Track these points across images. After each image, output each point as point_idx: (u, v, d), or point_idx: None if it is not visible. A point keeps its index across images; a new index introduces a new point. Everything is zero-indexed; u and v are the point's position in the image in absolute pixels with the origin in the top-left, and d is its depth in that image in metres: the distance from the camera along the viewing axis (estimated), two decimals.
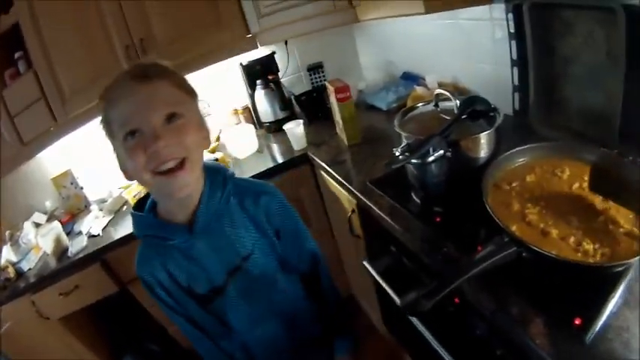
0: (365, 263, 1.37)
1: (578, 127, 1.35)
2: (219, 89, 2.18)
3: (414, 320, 1.15)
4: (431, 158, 1.08)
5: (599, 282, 0.84)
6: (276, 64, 2.14)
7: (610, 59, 1.16)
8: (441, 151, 1.09)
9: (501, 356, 0.94)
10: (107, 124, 0.78)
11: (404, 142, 1.19)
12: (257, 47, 1.85)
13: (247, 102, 2.25)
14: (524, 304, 0.84)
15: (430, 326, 1.13)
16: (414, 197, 1.28)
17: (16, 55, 1.76)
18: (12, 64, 1.78)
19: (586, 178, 0.98)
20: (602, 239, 0.84)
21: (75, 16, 1.64)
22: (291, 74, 2.31)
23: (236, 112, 2.24)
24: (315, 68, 2.28)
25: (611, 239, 0.84)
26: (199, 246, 0.90)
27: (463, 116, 1.18)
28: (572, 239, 0.85)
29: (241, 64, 2.12)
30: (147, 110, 0.75)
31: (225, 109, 2.23)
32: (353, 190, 1.43)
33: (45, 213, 2.05)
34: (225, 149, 2.00)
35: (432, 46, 1.94)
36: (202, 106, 1.90)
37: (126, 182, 1.83)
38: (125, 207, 1.97)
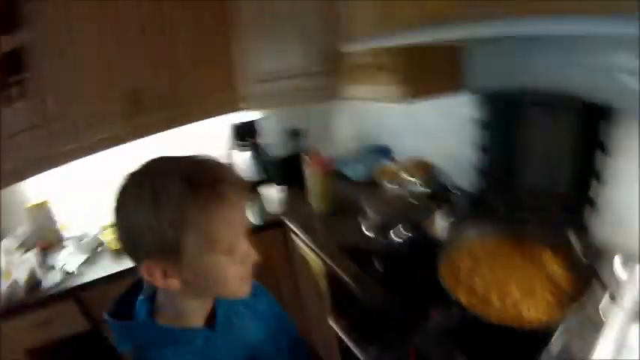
0: (330, 322, 1.63)
1: (530, 205, 1.65)
2: (199, 145, 2.36)
3: None
4: (397, 237, 1.38)
5: (535, 341, 1.08)
6: (258, 127, 2.41)
7: (565, 147, 1.50)
8: (405, 233, 1.39)
9: None
10: (199, 230, 0.74)
11: (372, 220, 1.48)
12: (246, 111, 2.12)
13: (231, 161, 2.43)
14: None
15: None
16: (377, 266, 1.53)
17: (11, 79, 1.80)
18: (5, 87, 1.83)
19: (528, 251, 1.35)
20: (538, 304, 1.14)
21: (90, 51, 1.84)
22: (270, 137, 2.53)
23: None
24: (294, 134, 2.53)
25: (547, 304, 1.15)
26: (217, 343, 0.91)
27: (428, 202, 1.49)
28: (509, 304, 1.15)
29: (231, 124, 2.37)
30: (245, 227, 0.84)
31: None
32: (322, 256, 1.68)
33: (16, 238, 2.10)
34: None
35: (404, 122, 2.29)
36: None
37: (108, 222, 1.94)
38: (100, 248, 2.08)
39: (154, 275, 0.76)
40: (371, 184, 2.26)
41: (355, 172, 2.39)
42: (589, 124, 1.39)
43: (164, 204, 0.71)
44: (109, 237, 2.00)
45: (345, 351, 1.64)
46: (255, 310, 1.04)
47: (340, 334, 1.59)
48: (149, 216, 0.71)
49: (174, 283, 0.78)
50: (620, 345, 1.09)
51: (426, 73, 1.66)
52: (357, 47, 1.54)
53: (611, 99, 1.30)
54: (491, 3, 1.00)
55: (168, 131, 2.02)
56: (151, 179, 0.74)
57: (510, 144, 1.70)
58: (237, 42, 1.96)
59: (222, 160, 0.82)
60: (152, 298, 0.88)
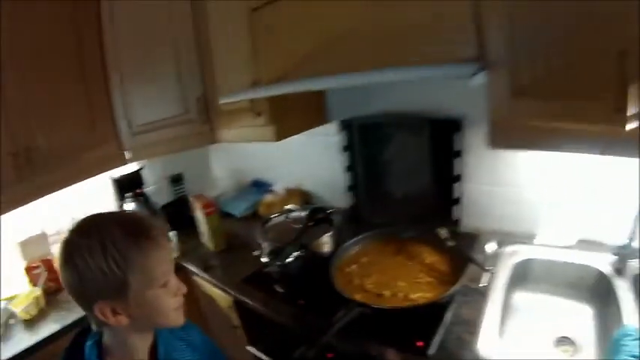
0: (249, 348, 1.79)
1: (400, 211, 2.02)
2: (88, 202, 2.30)
3: None
4: (289, 260, 1.59)
5: (429, 314, 1.39)
6: (142, 178, 2.44)
7: (420, 158, 1.86)
8: (296, 253, 1.60)
9: None
10: (140, 270, 0.88)
11: (266, 249, 1.69)
12: (127, 163, 2.13)
13: None
14: (378, 344, 1.33)
15: None
16: (279, 289, 1.73)
17: None
18: None
19: (406, 249, 1.67)
20: (424, 288, 1.45)
21: None
22: (153, 184, 2.59)
23: None
24: (176, 180, 2.65)
25: (432, 286, 1.46)
26: None
27: (310, 224, 1.73)
28: (400, 294, 1.43)
29: (112, 178, 2.36)
30: (172, 264, 0.98)
31: None
32: (228, 290, 1.81)
33: None
34: None
35: (277, 156, 2.54)
36: (71, 219, 2.13)
37: (10, 293, 1.94)
38: (13, 320, 1.87)
39: (106, 314, 0.88)
40: (254, 218, 2.49)
41: (238, 209, 2.55)
42: (444, 137, 1.77)
43: (111, 251, 0.84)
44: (19, 307, 1.85)
45: None
46: (190, 343, 1.18)
47: (262, 356, 1.75)
48: (100, 263, 0.84)
49: (123, 319, 0.90)
50: (506, 308, 1.46)
51: (296, 112, 1.95)
52: (234, 98, 1.73)
53: (459, 113, 1.73)
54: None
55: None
56: (96, 233, 0.86)
57: (374, 162, 2.03)
58: (109, 95, 2.00)
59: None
60: (99, 342, 0.98)
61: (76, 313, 1.78)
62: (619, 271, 1.46)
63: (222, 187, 2.96)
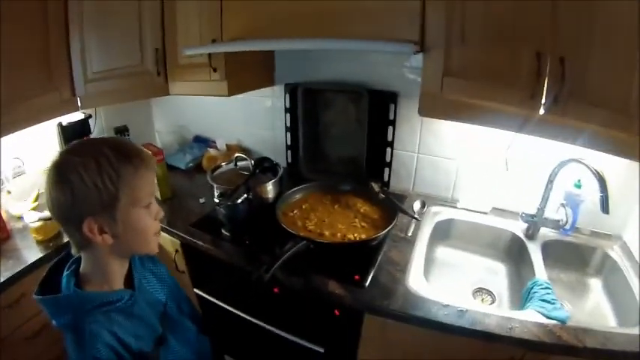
0: (195, 290, 1.99)
1: (335, 170, 2.28)
2: (33, 148, 2.33)
3: (252, 319, 1.83)
4: (239, 200, 1.78)
5: (364, 254, 1.67)
6: (89, 126, 2.47)
7: (358, 124, 2.09)
8: (245, 195, 1.80)
9: (319, 316, 1.66)
10: (130, 187, 0.95)
11: (216, 192, 1.87)
12: (79, 110, 2.12)
13: None
14: (321, 276, 1.57)
15: (264, 319, 1.81)
16: (224, 232, 1.91)
17: None
18: None
19: (342, 201, 1.92)
20: (359, 231, 1.71)
21: None
22: (97, 135, 2.57)
23: None
24: (121, 131, 2.68)
25: (366, 230, 1.72)
26: (139, 301, 1.09)
27: (257, 171, 1.94)
28: (339, 234, 1.68)
29: (60, 124, 2.36)
30: (154, 190, 1.06)
31: (38, 167, 2.36)
32: (178, 233, 1.94)
33: None
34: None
35: (220, 114, 2.71)
36: (16, 164, 2.17)
37: None
38: None
39: (93, 231, 0.94)
40: (198, 170, 2.65)
41: (182, 161, 2.69)
42: (381, 106, 2.03)
43: (106, 167, 0.91)
44: None
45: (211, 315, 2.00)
46: (159, 277, 1.27)
47: (209, 297, 1.94)
48: (94, 178, 0.90)
49: (108, 238, 0.96)
50: (429, 259, 1.76)
51: (247, 71, 2.12)
52: (198, 51, 1.88)
53: (396, 87, 1.99)
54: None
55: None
56: (90, 152, 0.93)
57: (314, 124, 2.26)
58: (64, 41, 1.95)
59: None
60: (76, 272, 1.03)
61: (22, 262, 1.79)
62: (530, 236, 1.80)
63: (163, 141, 3.07)
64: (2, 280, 1.69)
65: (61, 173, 0.92)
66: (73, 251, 1.04)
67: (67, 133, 2.40)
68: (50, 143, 2.43)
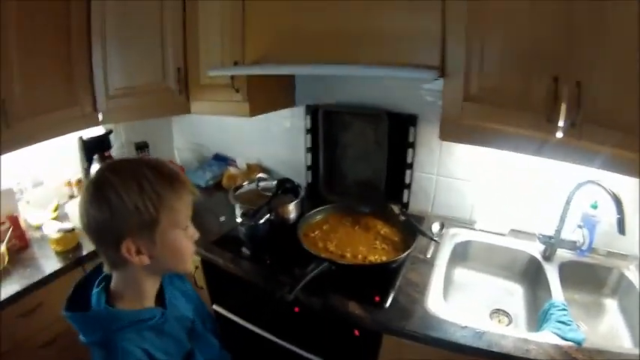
0: (215, 307, 2.01)
1: (353, 191, 2.31)
2: (53, 160, 2.38)
3: (271, 337, 1.85)
4: (262, 220, 1.82)
5: (385, 275, 1.69)
6: (110, 141, 2.51)
7: (377, 146, 2.12)
8: (267, 215, 1.84)
9: (338, 336, 1.68)
10: (171, 210, 0.97)
11: (238, 212, 1.91)
12: (99, 125, 2.21)
13: (80, 175, 2.51)
14: (341, 297, 1.60)
15: (283, 336, 1.83)
16: (245, 250, 1.95)
17: None
18: None
19: (362, 222, 1.95)
20: (380, 253, 1.74)
21: None
22: (117, 150, 2.65)
23: (70, 183, 2.47)
24: (141, 147, 2.76)
25: (387, 252, 1.75)
26: (170, 319, 1.10)
27: (279, 192, 1.98)
28: (360, 256, 1.71)
29: (81, 138, 2.42)
30: (191, 212, 1.06)
31: (58, 179, 2.43)
32: (198, 249, 1.94)
33: None
34: (67, 219, 2.11)
35: (240, 133, 2.76)
36: (36, 174, 2.22)
37: None
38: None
39: (131, 252, 0.94)
40: (217, 188, 2.69)
41: (202, 179, 2.73)
42: (400, 129, 2.05)
43: (147, 189, 0.92)
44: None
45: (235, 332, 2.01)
46: (186, 293, 1.28)
47: (229, 315, 1.97)
48: (135, 199, 0.91)
49: (145, 259, 0.97)
50: (447, 280, 1.77)
51: (268, 92, 2.16)
52: (221, 73, 1.94)
53: (415, 110, 2.02)
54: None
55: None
56: (131, 172, 0.94)
57: (334, 145, 2.31)
58: (86, 57, 2.03)
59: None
60: (106, 289, 1.03)
61: (40, 272, 1.82)
62: (547, 257, 1.81)
63: (182, 158, 3.12)
64: (19, 289, 1.72)
65: (100, 191, 0.92)
66: (106, 269, 1.04)
67: (88, 147, 2.46)
68: (70, 156, 2.48)
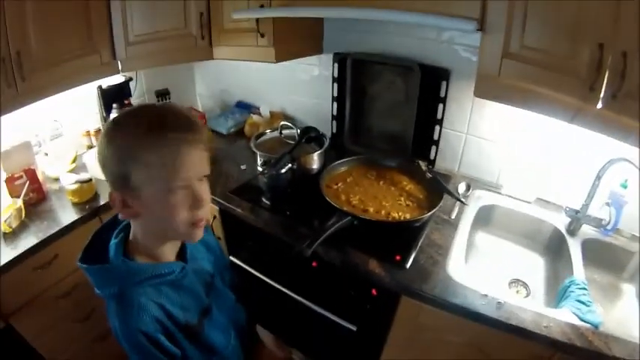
0: (231, 257, 1.98)
1: (379, 145, 2.24)
2: (71, 109, 2.34)
3: (286, 291, 1.83)
4: (283, 170, 1.77)
5: (407, 233, 1.65)
6: (130, 89, 2.49)
7: (406, 99, 2.04)
8: (289, 165, 1.78)
9: (355, 294, 1.66)
10: (145, 165, 0.85)
11: (260, 159, 1.86)
12: (119, 72, 2.16)
13: (100, 125, 2.48)
14: (361, 253, 1.56)
15: (298, 291, 1.81)
16: (265, 200, 1.91)
17: None
18: None
19: (387, 176, 1.88)
20: (404, 210, 1.67)
21: None
22: (137, 98, 2.62)
23: (88, 133, 2.42)
24: (162, 94, 2.71)
25: (411, 209, 1.68)
26: (189, 273, 1.06)
27: (302, 140, 1.92)
28: (383, 212, 1.65)
29: (100, 87, 2.37)
30: (196, 172, 0.91)
31: (77, 130, 2.41)
32: (217, 199, 1.94)
33: None
34: (85, 170, 2.09)
35: (264, 80, 2.68)
36: (54, 126, 2.20)
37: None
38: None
39: (115, 204, 0.91)
40: (239, 136, 2.65)
41: (224, 126, 2.69)
42: (432, 82, 1.95)
43: (119, 142, 0.86)
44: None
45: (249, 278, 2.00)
46: (208, 245, 1.25)
47: (244, 266, 1.95)
48: (108, 151, 0.87)
49: (131, 212, 0.92)
50: (469, 244, 1.72)
51: (295, 38, 2.07)
52: (246, 15, 1.85)
53: (448, 64, 1.91)
54: None
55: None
56: (120, 123, 0.90)
57: (362, 96, 2.22)
58: (105, 2, 1.96)
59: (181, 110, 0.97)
60: (124, 241, 0.99)
61: (57, 223, 1.82)
62: (572, 231, 1.74)
63: (205, 105, 3.07)
64: (37, 241, 1.72)
65: (99, 140, 0.90)
66: (120, 216, 0.97)
67: (107, 96, 2.42)
68: (89, 106, 2.45)
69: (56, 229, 1.79)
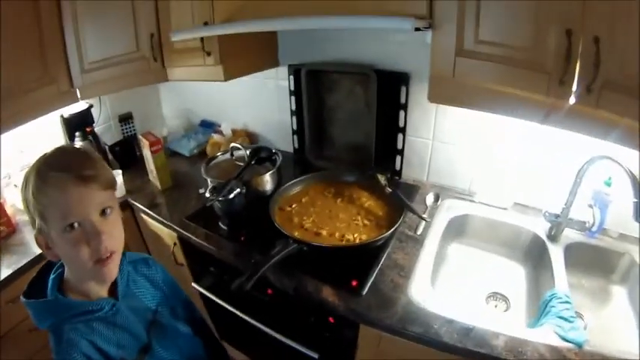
0: (194, 285, 1.90)
1: (343, 157, 2.13)
2: (36, 139, 2.25)
3: (247, 318, 1.74)
4: (231, 195, 1.66)
5: (366, 255, 1.53)
6: (92, 116, 2.42)
7: (367, 108, 1.93)
8: (238, 190, 1.68)
9: (314, 322, 1.56)
10: (44, 207, 0.89)
11: (209, 185, 1.76)
12: (78, 101, 2.08)
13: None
14: (315, 280, 1.46)
15: (259, 318, 1.72)
16: (222, 225, 1.82)
17: None
18: None
19: (346, 193, 1.77)
20: (361, 230, 1.56)
21: None
22: (102, 124, 2.58)
23: None
24: (125, 119, 2.66)
25: (368, 229, 1.57)
26: (123, 310, 1.04)
27: (252, 162, 1.82)
28: (337, 234, 1.54)
29: (62, 116, 2.34)
30: (87, 207, 0.91)
31: None
32: (173, 226, 1.87)
33: None
34: None
35: (226, 97, 2.61)
36: (21, 157, 2.16)
37: None
38: None
39: (40, 245, 0.95)
40: (202, 157, 2.53)
41: (186, 148, 2.62)
42: (391, 88, 1.86)
43: (28, 185, 0.90)
44: None
45: (214, 310, 1.95)
46: (152, 280, 1.23)
47: (206, 293, 1.87)
48: (24, 194, 0.92)
49: (53, 253, 0.95)
50: (440, 259, 1.61)
51: (247, 53, 1.99)
52: (185, 36, 1.75)
53: (408, 67, 1.81)
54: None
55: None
56: (34, 166, 0.92)
57: (320, 107, 2.14)
58: (58, 32, 1.91)
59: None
60: (61, 276, 1.01)
61: (28, 255, 1.80)
62: (553, 237, 1.62)
63: (171, 126, 2.98)
64: (6, 275, 1.71)
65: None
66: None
67: (70, 125, 2.38)
68: (55, 135, 2.41)
69: (26, 260, 1.78)
